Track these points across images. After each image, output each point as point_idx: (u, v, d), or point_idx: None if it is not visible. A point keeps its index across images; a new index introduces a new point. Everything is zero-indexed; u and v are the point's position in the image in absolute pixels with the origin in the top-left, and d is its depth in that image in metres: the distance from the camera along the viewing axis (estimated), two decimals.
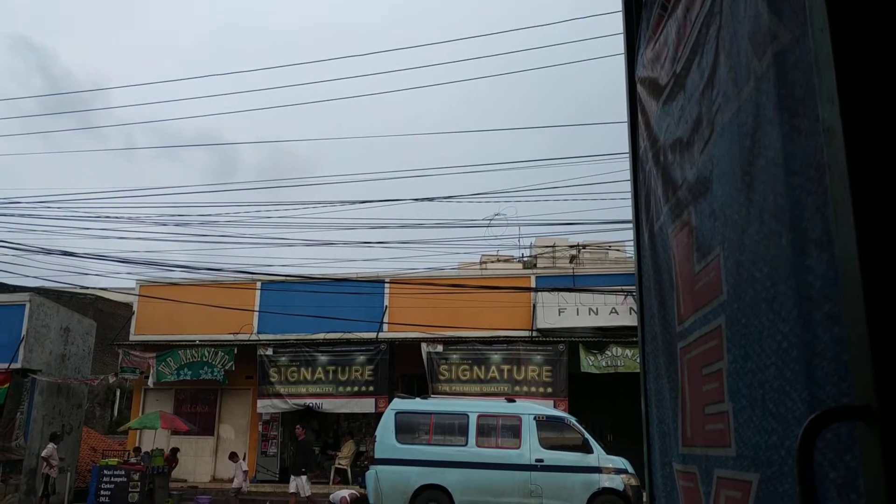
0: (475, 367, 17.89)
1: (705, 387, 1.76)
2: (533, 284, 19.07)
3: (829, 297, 1.12)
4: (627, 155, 2.76)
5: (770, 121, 1.34)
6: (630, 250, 19.34)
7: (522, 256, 22.53)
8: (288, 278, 19.55)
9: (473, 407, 14.55)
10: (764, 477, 1.37)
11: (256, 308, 19.94)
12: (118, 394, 33.68)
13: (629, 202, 2.85)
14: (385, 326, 19.12)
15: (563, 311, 18.07)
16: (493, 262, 22.96)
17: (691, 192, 1.84)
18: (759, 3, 1.39)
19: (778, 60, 1.31)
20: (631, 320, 16.95)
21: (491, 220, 20.05)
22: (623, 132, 2.88)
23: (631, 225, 2.77)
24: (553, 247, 22.73)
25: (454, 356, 17.98)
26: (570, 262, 21.74)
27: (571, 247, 21.97)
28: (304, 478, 15.03)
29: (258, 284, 20.06)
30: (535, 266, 22.01)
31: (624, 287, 17.17)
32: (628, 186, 2.84)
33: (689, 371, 1.92)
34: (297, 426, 16.49)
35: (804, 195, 1.21)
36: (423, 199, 17.43)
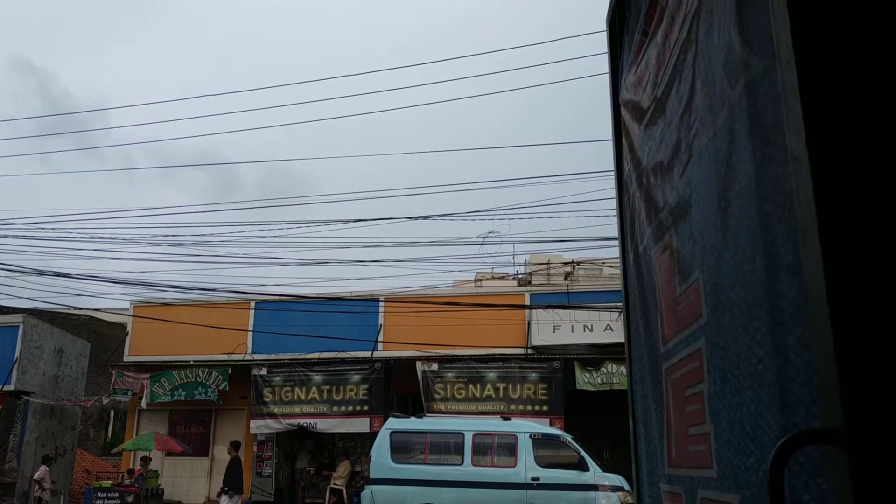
0: (470, 386, 17.85)
1: (688, 408, 1.77)
2: (527, 302, 19.07)
3: (801, 322, 1.14)
4: (613, 176, 2.80)
5: (743, 148, 1.37)
6: None
7: (517, 273, 22.56)
8: (282, 298, 19.52)
9: (469, 426, 14.50)
10: (744, 498, 1.38)
11: (250, 328, 19.88)
12: (112, 415, 33.46)
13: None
14: (380, 345, 19.08)
15: (557, 328, 18.07)
16: (487, 279, 22.97)
17: (672, 215, 1.87)
18: (732, 33, 1.43)
19: (749, 90, 1.34)
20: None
21: (485, 237, 20.08)
22: (609, 150, 2.92)
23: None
24: (547, 264, 22.75)
25: (449, 374, 17.93)
26: (565, 278, 21.76)
27: (565, 263, 22.00)
28: (224, 497, 14.94)
29: (252, 304, 20.03)
30: (529, 283, 22.03)
31: (618, 304, 17.17)
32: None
33: (673, 392, 1.94)
34: (230, 445, 16.43)
35: (775, 221, 1.23)
36: (417, 218, 17.45)
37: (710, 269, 1.57)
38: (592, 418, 17.99)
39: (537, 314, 18.32)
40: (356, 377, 18.31)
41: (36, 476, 17.13)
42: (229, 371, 19.04)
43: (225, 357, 19.43)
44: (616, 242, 2.66)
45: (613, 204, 2.71)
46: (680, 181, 1.80)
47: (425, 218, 17.34)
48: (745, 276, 1.36)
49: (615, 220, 2.71)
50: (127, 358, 20.22)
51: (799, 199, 1.08)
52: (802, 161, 1.06)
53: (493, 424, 14.63)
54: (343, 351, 18.72)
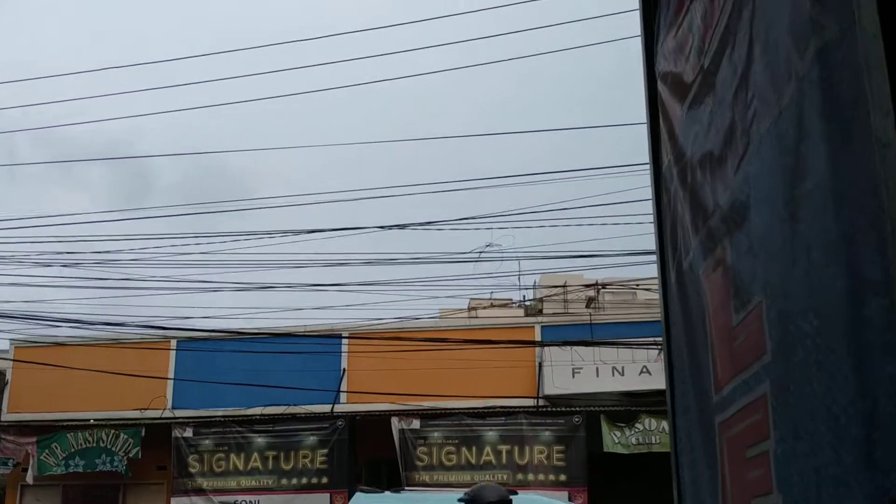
0: (464, 449, 17.80)
1: (750, 474, 1.79)
2: (538, 337, 19.08)
3: (892, 356, 1.16)
4: (648, 171, 2.82)
5: (816, 133, 1.39)
6: None
7: (524, 300, 22.57)
8: (213, 335, 19.42)
9: None
10: None
11: (171, 375, 19.77)
12: None
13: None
14: (343, 396, 19.01)
15: (578, 372, 18.06)
16: (484, 307, 22.98)
17: (725, 221, 1.89)
18: None
19: (822, 57, 1.37)
20: None
21: (481, 252, 20.03)
22: (644, 138, 2.94)
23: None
24: (564, 286, 22.76)
25: (435, 434, 17.88)
26: (587, 305, 21.79)
27: (588, 286, 22.04)
28: None
29: (173, 343, 19.92)
30: (540, 312, 22.04)
31: (657, 339, 17.21)
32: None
33: (729, 453, 1.96)
34: None
35: (858, 227, 1.25)
36: (392, 227, 17.44)
37: (775, 291, 1.59)
38: (625, 490, 17.96)
39: (551, 353, 18.32)
40: (312, 439, 18.21)
41: None
42: (142, 433, 18.89)
43: (137, 414, 19.29)
44: (653, 258, 2.68)
45: (649, 207, 2.74)
46: (735, 177, 1.82)
47: (402, 227, 17.35)
48: (820, 300, 1.38)
49: (651, 228, 2.73)
50: (6, 416, 20.03)
51: (889, 196, 1.09)
52: (892, 147, 1.08)
53: None
54: (294, 405, 18.62)
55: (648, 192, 2.83)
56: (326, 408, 18.66)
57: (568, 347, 18.08)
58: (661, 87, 2.57)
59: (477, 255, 20.59)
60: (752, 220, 1.72)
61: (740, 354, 1.81)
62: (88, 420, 19.45)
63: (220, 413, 19.01)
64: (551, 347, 18.38)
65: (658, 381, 17.42)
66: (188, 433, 18.58)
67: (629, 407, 17.67)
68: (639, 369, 17.79)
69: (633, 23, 2.91)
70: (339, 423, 18.26)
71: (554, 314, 21.50)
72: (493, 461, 17.70)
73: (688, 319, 2.29)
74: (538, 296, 23.00)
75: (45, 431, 19.24)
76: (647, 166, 2.81)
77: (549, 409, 18.13)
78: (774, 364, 1.60)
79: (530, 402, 18.38)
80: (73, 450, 19.07)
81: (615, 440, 17.43)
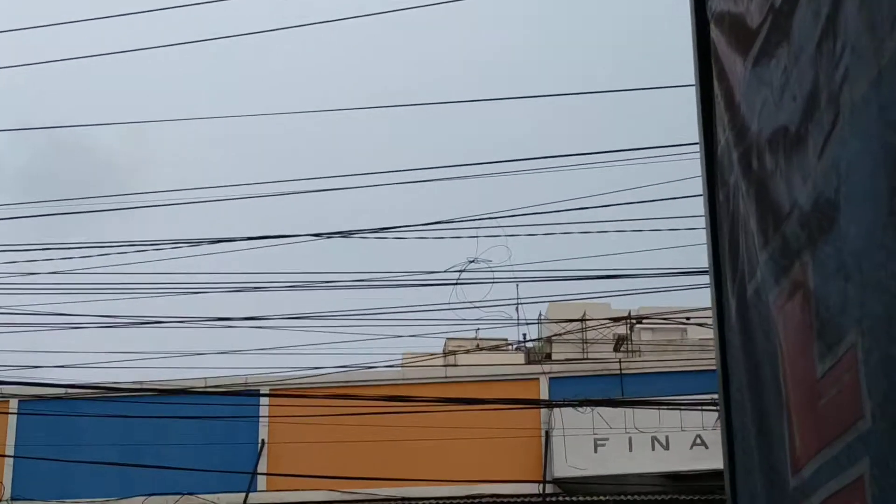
0: None
1: None
2: (545, 394, 19.09)
3: None
4: (699, 155, 2.83)
5: None
6: None
7: (524, 340, 22.59)
8: (71, 392, 19.31)
9: None
10: None
11: (9, 450, 19.65)
12: None
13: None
14: (261, 480, 18.96)
15: (602, 446, 18.10)
16: (467, 351, 22.98)
17: (806, 227, 1.90)
18: None
19: None
20: None
21: (463, 270, 19.91)
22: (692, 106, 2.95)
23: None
24: (582, 320, 22.82)
25: None
26: (616, 348, 21.83)
27: (616, 320, 22.09)
28: None
29: (13, 404, 19.81)
30: (548, 357, 22.06)
31: (713, 397, 17.25)
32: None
33: None
34: None
35: None
36: (333, 235, 17.38)
37: (876, 327, 1.59)
38: None
39: (563, 417, 18.35)
40: None
41: None
42: None
43: None
44: (706, 279, 2.69)
45: (699, 208, 2.74)
46: (819, 163, 1.83)
47: (347, 235, 17.31)
48: None
49: (703, 237, 2.74)
50: None
51: None
52: None
53: None
54: (191, 493, 18.57)
55: (699, 185, 2.84)
56: (238, 497, 18.60)
57: (588, 409, 18.09)
58: (714, 33, 2.58)
59: (458, 274, 20.50)
60: (843, 224, 1.73)
61: (827, 419, 1.82)
62: None
63: None
64: (563, 409, 18.39)
65: (716, 458, 17.45)
66: None
67: (676, 495, 17.72)
68: (690, 440, 17.84)
69: None
70: None
71: (567, 361, 21.54)
72: None
73: (753, 368, 2.30)
74: (544, 334, 23.02)
75: None
76: (697, 147, 2.83)
77: (561, 498, 18.16)
78: (876, 433, 1.61)
79: (533, 489, 18.41)
80: None
81: None
